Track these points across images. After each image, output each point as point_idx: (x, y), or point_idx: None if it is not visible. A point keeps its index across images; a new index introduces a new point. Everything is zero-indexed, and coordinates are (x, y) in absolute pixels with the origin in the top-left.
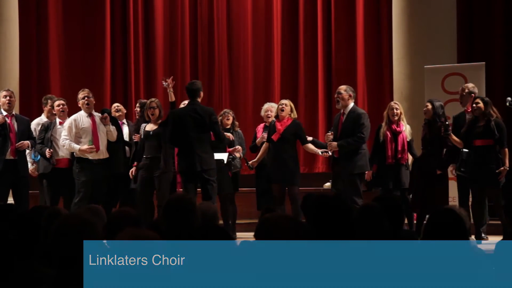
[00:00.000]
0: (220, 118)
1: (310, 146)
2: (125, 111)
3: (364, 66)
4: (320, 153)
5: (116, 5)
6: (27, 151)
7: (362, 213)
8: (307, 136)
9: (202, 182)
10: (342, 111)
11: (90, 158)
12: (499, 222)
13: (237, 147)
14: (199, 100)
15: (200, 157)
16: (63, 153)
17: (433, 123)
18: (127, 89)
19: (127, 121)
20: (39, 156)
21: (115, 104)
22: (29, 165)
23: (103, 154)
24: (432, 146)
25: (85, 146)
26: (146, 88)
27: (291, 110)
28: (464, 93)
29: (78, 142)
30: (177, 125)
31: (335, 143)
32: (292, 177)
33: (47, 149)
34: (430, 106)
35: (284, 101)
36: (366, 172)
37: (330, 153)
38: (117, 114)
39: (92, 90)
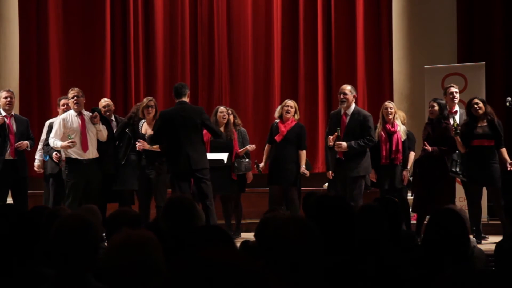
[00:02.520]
0: (222, 115)
1: (303, 155)
2: (114, 108)
3: (364, 66)
4: (302, 169)
5: (116, 5)
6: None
7: (362, 213)
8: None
9: (195, 181)
10: (343, 111)
11: (80, 158)
12: (499, 222)
13: (248, 146)
14: (186, 99)
15: (189, 156)
16: (68, 154)
17: (437, 123)
18: (127, 89)
19: (115, 116)
20: (48, 156)
21: (105, 104)
22: (37, 161)
23: (92, 154)
24: (435, 146)
25: (65, 142)
26: (146, 88)
27: (296, 112)
28: (455, 98)
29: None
30: (165, 125)
31: (345, 144)
32: (291, 178)
33: (54, 153)
34: (437, 107)
35: (289, 103)
36: (372, 172)
37: (306, 173)
38: (107, 114)
39: (92, 90)
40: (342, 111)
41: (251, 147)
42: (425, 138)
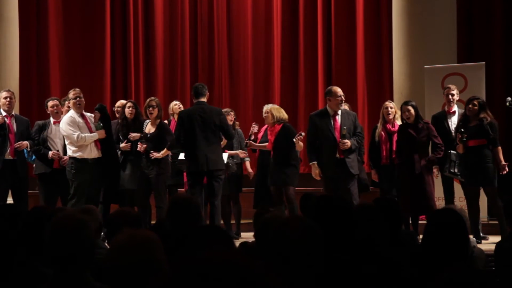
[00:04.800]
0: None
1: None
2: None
3: (364, 66)
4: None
5: (116, 5)
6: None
7: (359, 212)
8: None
9: (209, 178)
10: (332, 112)
11: (86, 157)
12: (496, 222)
13: (238, 151)
14: (205, 100)
15: (207, 157)
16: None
17: (417, 125)
18: (127, 89)
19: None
20: (33, 157)
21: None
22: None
23: (98, 153)
24: (420, 149)
25: (98, 131)
26: (146, 88)
27: (273, 117)
28: (454, 98)
29: None
30: (185, 125)
31: (349, 143)
32: (286, 178)
33: (50, 152)
34: (413, 110)
35: (264, 109)
36: (372, 172)
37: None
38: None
39: (92, 90)
40: (332, 112)
41: (242, 154)
42: (409, 141)
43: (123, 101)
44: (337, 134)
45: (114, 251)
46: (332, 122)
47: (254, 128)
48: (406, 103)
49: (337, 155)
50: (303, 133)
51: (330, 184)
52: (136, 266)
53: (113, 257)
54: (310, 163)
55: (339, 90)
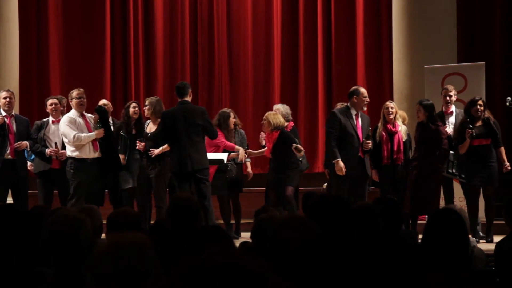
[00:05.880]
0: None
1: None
2: (112, 109)
3: (364, 66)
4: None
5: (116, 5)
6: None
7: (357, 212)
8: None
9: (195, 181)
10: (355, 112)
11: (85, 157)
12: (500, 222)
13: (239, 152)
14: (188, 99)
15: (191, 157)
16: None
17: (427, 124)
18: (127, 89)
19: (112, 119)
20: (32, 156)
21: (101, 103)
22: (28, 164)
23: (97, 153)
24: (427, 147)
25: (98, 130)
26: (146, 88)
27: (269, 124)
28: (452, 99)
29: None
30: (168, 124)
31: (371, 143)
32: (284, 179)
33: (48, 149)
34: (422, 110)
35: (274, 108)
36: (373, 172)
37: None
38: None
39: (92, 90)
40: (355, 112)
41: (240, 157)
42: (417, 139)
43: (104, 101)
44: (359, 134)
45: (97, 258)
46: (355, 122)
47: (263, 135)
48: (419, 102)
49: (360, 154)
50: (299, 147)
51: (347, 183)
52: (119, 275)
53: (95, 265)
54: (334, 161)
55: (365, 91)
